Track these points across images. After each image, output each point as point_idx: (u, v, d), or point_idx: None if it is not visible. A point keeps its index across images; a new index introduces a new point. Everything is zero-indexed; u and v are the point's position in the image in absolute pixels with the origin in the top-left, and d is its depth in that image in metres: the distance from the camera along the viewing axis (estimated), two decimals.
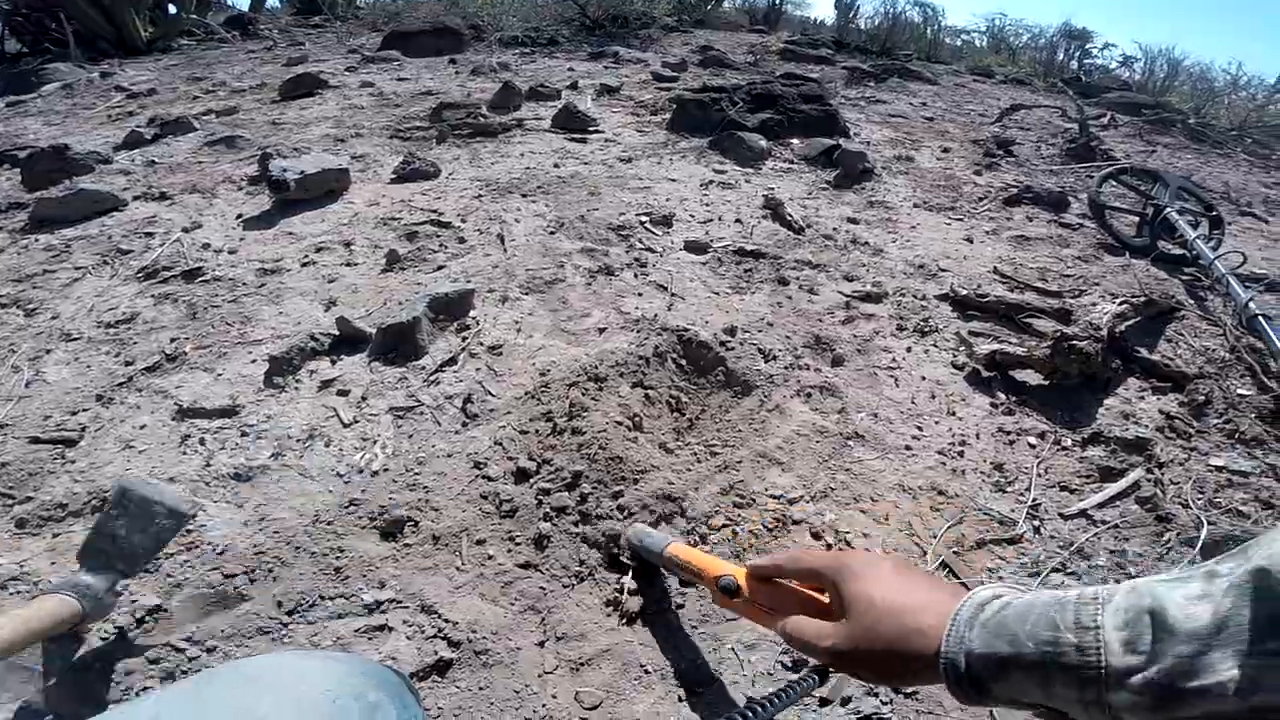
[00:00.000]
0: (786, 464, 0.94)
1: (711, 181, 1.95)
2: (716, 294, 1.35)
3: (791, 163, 2.17)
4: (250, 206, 1.72)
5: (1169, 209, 1.78)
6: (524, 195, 1.79)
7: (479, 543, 0.82)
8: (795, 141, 2.28)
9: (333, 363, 1.13)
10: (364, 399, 1.05)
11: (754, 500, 0.89)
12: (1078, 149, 2.52)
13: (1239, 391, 1.18)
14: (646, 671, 0.69)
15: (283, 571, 0.78)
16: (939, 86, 3.85)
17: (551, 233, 1.56)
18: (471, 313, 1.25)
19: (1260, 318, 1.29)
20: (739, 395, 1.07)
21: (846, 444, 0.98)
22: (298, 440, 0.97)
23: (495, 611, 0.74)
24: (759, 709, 0.51)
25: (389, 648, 0.70)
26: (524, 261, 1.42)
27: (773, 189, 1.86)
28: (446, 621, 0.73)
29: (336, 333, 1.17)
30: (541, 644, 0.72)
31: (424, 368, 1.11)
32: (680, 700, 0.67)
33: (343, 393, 1.06)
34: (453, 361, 1.12)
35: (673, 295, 1.32)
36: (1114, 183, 2.03)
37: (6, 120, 2.73)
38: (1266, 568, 0.31)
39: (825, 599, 0.53)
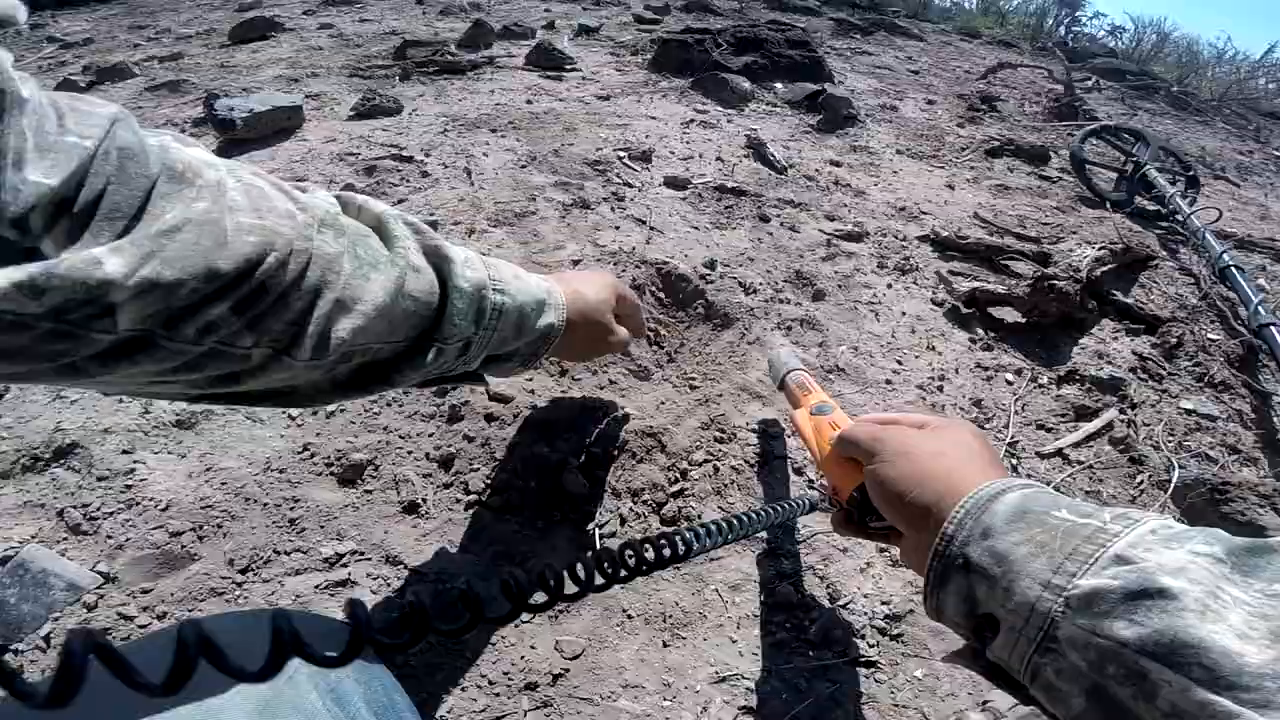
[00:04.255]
0: (767, 398, 0.91)
1: (693, 121, 1.89)
2: (696, 229, 1.30)
3: (775, 106, 2.12)
4: None
5: (1149, 166, 1.79)
6: (493, 130, 1.71)
7: (446, 486, 0.78)
8: (779, 85, 2.23)
9: None
10: None
11: (735, 435, 0.86)
12: (1061, 108, 2.51)
13: (1209, 336, 1.19)
14: (629, 617, 0.66)
15: (233, 526, 0.72)
16: (926, 43, 3.78)
17: (523, 167, 1.49)
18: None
19: (1233, 268, 1.30)
20: (719, 328, 1.04)
21: (827, 377, 0.96)
22: None
23: (465, 560, 0.70)
24: (743, 519, 0.49)
25: None
26: (493, 195, 1.36)
27: (755, 130, 1.81)
28: (413, 573, 0.69)
29: None
30: None
31: None
32: (665, 646, 0.65)
33: None
34: None
35: (652, 229, 1.27)
36: (1095, 140, 2.02)
37: None
38: None
39: None
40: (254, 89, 1.94)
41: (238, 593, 0.66)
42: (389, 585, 0.68)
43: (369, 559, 0.70)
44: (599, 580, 0.35)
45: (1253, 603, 0.25)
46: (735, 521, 0.49)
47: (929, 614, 0.38)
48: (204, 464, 0.78)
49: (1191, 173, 1.95)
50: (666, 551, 0.41)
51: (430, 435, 0.83)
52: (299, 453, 0.80)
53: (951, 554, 0.35)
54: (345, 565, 0.69)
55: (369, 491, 0.76)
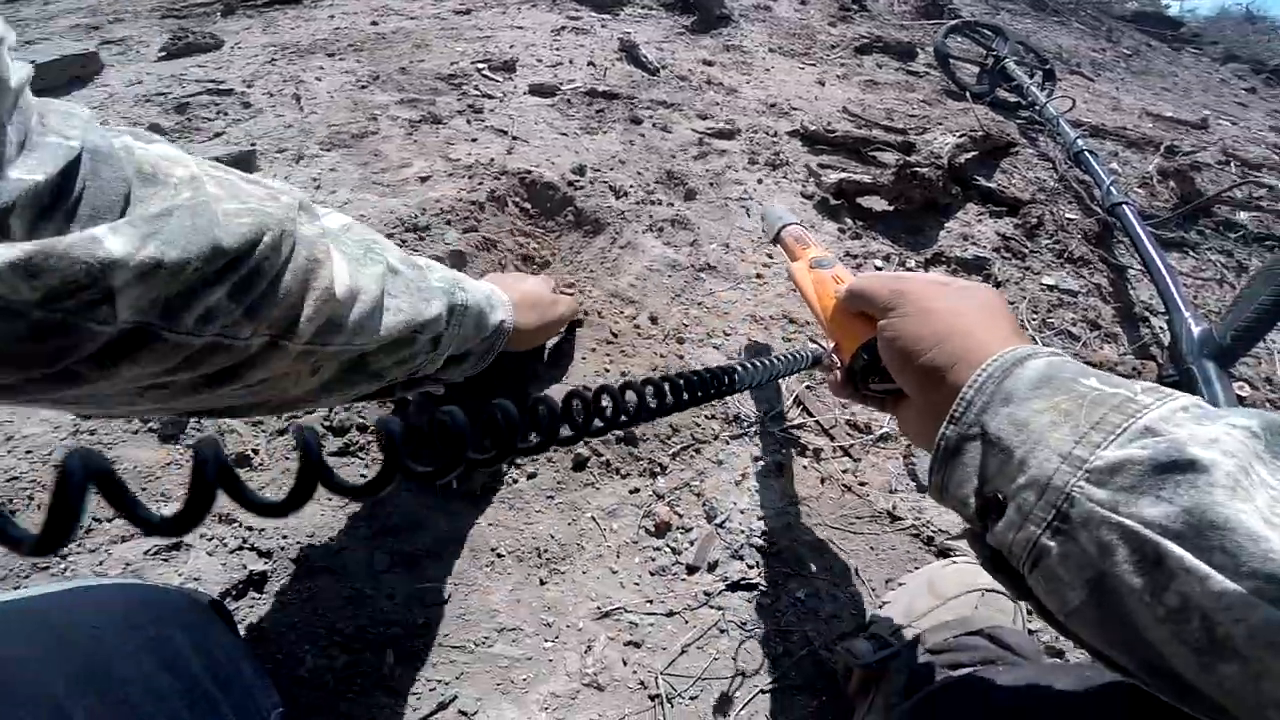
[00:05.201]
0: (640, 302, 0.87)
1: (564, 28, 1.77)
2: (565, 135, 1.22)
3: (650, 8, 2.04)
4: None
5: (1008, 59, 1.83)
6: (330, 55, 1.54)
7: (280, 433, 0.69)
8: None
9: None
10: None
11: None
12: (928, 6, 2.54)
13: (1067, 215, 1.24)
14: (500, 555, 0.62)
15: (46, 497, 0.62)
16: None
17: (363, 87, 1.34)
18: (256, 175, 1.04)
19: (1086, 152, 1.35)
20: (590, 235, 0.98)
21: (699, 276, 0.92)
22: None
23: (309, 511, 0.63)
24: (747, 368, 0.48)
25: (190, 568, 0.59)
26: (326, 118, 1.21)
27: (629, 33, 1.72)
28: (251, 529, 0.62)
29: None
30: (370, 539, 0.62)
31: None
32: (542, 583, 0.61)
33: None
34: None
35: (514, 139, 1.18)
36: (958, 36, 2.05)
37: None
38: None
39: None
40: (41, 40, 1.68)
41: (63, 565, 0.60)
42: (225, 546, 0.61)
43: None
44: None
45: (1279, 487, 0.22)
46: (742, 369, 0.47)
47: (931, 493, 0.35)
48: (2, 433, 0.68)
49: (1048, 66, 2.01)
50: (666, 396, 0.38)
51: None
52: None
53: (968, 420, 0.32)
54: None
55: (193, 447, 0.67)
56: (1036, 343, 0.61)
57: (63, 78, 1.43)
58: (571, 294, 0.84)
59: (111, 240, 0.28)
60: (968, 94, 1.73)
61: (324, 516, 0.63)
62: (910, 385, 0.39)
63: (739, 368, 0.47)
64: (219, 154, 1.03)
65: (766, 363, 0.50)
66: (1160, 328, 1.03)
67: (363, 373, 0.46)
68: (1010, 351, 0.33)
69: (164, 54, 1.58)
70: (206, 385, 0.36)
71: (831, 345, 0.52)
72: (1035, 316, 1.01)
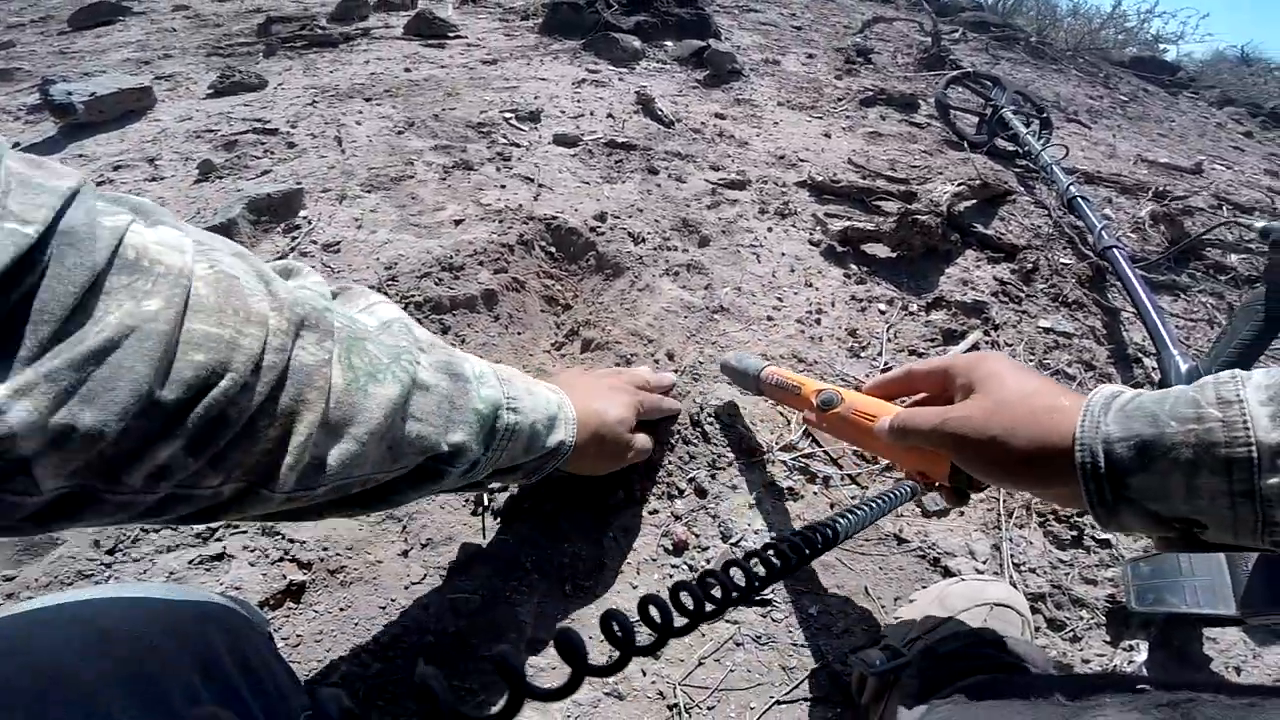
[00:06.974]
0: (657, 340, 0.94)
1: (584, 80, 1.88)
2: (587, 184, 1.31)
3: (664, 63, 2.15)
4: (32, 134, 1.51)
5: (1005, 109, 1.91)
6: (367, 99, 1.65)
7: None
8: (669, 43, 2.27)
9: None
10: None
11: None
12: (930, 59, 2.63)
13: (1061, 260, 1.30)
14: (527, 569, 0.66)
15: None
16: (809, 0, 3.87)
17: (399, 133, 1.45)
18: (302, 213, 1.13)
19: (1079, 199, 1.42)
20: (610, 278, 1.06)
21: (712, 318, 0.99)
22: None
23: (347, 525, 0.68)
24: (842, 520, 0.48)
25: (231, 577, 0.63)
26: (366, 161, 1.31)
27: (645, 87, 1.83)
28: (292, 542, 0.66)
29: None
30: (405, 554, 0.66)
31: None
32: (566, 595, 0.65)
33: None
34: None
35: (540, 186, 1.26)
36: (958, 87, 2.15)
37: None
38: None
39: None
40: (97, 73, 1.80)
41: (107, 573, 0.63)
42: (267, 557, 0.65)
43: (244, 531, 0.67)
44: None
45: None
46: (851, 515, 0.50)
47: (1128, 518, 0.37)
48: None
49: (1045, 115, 2.10)
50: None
51: None
52: None
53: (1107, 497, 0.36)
54: (220, 539, 0.66)
55: None
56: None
57: (118, 110, 1.54)
58: (667, 415, 0.77)
59: (14, 408, 0.24)
60: (967, 144, 1.82)
61: (362, 532, 0.68)
62: (1023, 490, 0.43)
63: (840, 518, 0.49)
64: (269, 190, 1.11)
65: (868, 507, 0.53)
66: (1152, 368, 1.09)
67: (380, 503, 0.43)
68: (1091, 430, 0.37)
69: (212, 91, 1.70)
70: (186, 521, 0.34)
71: (915, 474, 0.54)
72: (1032, 358, 1.06)
